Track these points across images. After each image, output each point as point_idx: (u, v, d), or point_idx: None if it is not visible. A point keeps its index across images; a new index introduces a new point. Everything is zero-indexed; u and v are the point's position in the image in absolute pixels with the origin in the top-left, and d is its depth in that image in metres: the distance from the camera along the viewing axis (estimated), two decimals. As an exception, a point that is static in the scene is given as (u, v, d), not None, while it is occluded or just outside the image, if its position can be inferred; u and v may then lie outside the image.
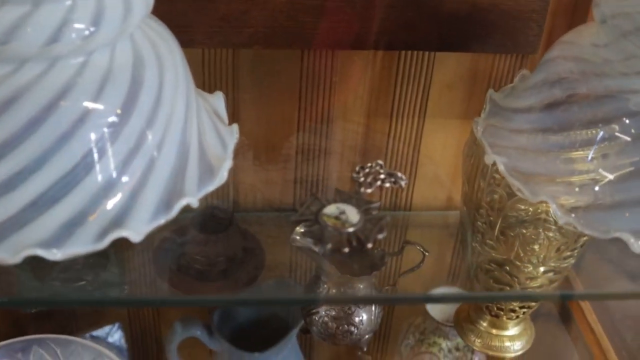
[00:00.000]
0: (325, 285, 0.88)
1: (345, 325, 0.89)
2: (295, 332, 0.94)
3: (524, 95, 0.63)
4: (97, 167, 0.50)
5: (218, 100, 0.64)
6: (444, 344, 0.97)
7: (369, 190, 0.58)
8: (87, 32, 0.49)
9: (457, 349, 0.98)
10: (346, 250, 0.52)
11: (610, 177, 0.55)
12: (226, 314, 0.98)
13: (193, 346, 0.96)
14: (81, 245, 0.50)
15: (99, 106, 0.50)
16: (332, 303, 0.59)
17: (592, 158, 0.56)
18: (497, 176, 0.82)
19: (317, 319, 0.90)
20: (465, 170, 0.89)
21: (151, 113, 0.52)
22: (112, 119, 0.51)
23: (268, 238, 1.07)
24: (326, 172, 1.09)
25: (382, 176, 0.59)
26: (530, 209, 0.82)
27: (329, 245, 0.52)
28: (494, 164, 0.73)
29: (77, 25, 0.48)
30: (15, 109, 0.49)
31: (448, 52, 0.89)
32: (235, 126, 0.62)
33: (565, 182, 0.57)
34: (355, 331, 0.89)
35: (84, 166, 0.50)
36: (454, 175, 1.14)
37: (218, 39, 0.78)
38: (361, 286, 0.88)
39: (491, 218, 0.86)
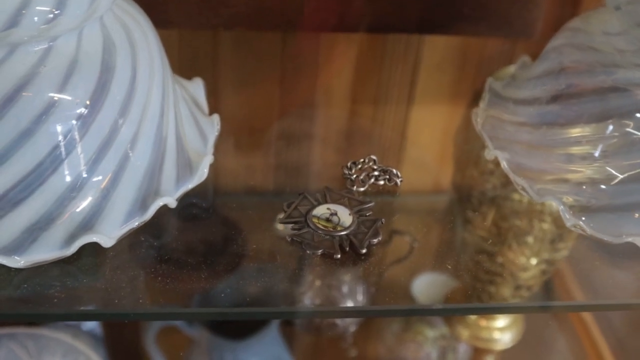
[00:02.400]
0: (310, 277, 0.84)
1: (331, 321, 0.85)
2: (276, 322, 0.91)
3: (527, 85, 0.58)
4: (64, 164, 0.44)
5: (197, 88, 0.59)
6: (430, 332, 0.93)
7: (361, 189, 0.53)
8: (50, 16, 0.43)
9: (443, 338, 0.94)
10: (338, 256, 0.47)
11: (621, 176, 0.51)
12: (206, 301, 0.94)
13: (172, 334, 0.91)
14: (47, 251, 0.45)
15: (65, 97, 0.44)
16: (319, 315, 0.55)
17: (601, 155, 0.52)
18: (491, 165, 0.78)
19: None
20: (457, 158, 0.85)
21: (124, 104, 0.47)
22: (80, 111, 0.45)
23: (249, 224, 1.03)
24: (310, 158, 1.04)
25: (375, 173, 0.54)
26: (525, 198, 0.78)
27: (320, 251, 0.47)
28: (490, 153, 0.69)
29: (39, 8, 0.42)
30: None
31: (437, 35, 0.84)
32: (216, 117, 0.56)
33: (572, 181, 0.53)
34: (340, 323, 0.85)
35: (49, 164, 0.44)
36: (441, 159, 1.10)
37: (197, 20, 0.72)
38: (346, 278, 0.84)
39: (484, 208, 0.81)
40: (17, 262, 0.45)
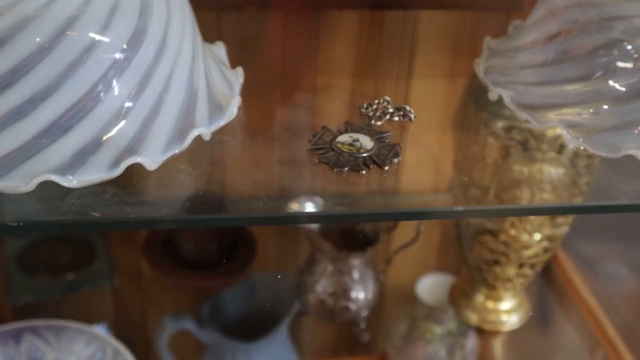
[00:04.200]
0: (321, 264, 0.87)
1: (343, 301, 0.87)
2: (287, 320, 0.92)
3: (524, 33, 0.63)
4: (107, 96, 0.48)
5: (220, 48, 0.63)
6: (437, 329, 0.96)
7: (379, 123, 0.57)
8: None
9: (450, 335, 0.97)
10: (364, 172, 0.50)
11: (618, 97, 0.55)
12: (216, 308, 0.96)
13: (183, 341, 0.93)
14: (96, 172, 0.49)
15: (107, 37, 0.48)
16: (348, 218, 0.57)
17: (598, 85, 0.56)
18: (490, 139, 0.82)
19: (313, 298, 0.88)
20: (456, 140, 0.88)
21: (160, 45, 0.51)
22: (122, 48, 0.49)
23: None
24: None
25: (390, 110, 0.58)
26: (525, 169, 0.82)
27: (346, 169, 0.51)
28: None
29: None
30: (22, 37, 0.47)
31: (434, 9, 0.88)
32: (239, 69, 0.60)
33: (573, 110, 0.57)
34: (353, 307, 0.87)
35: (94, 95, 0.48)
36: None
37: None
38: (356, 263, 0.87)
39: (485, 182, 0.85)
40: (70, 181, 0.48)
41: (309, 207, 0.88)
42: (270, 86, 0.67)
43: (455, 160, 0.63)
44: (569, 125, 0.57)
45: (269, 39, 0.81)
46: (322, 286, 0.88)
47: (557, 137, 0.78)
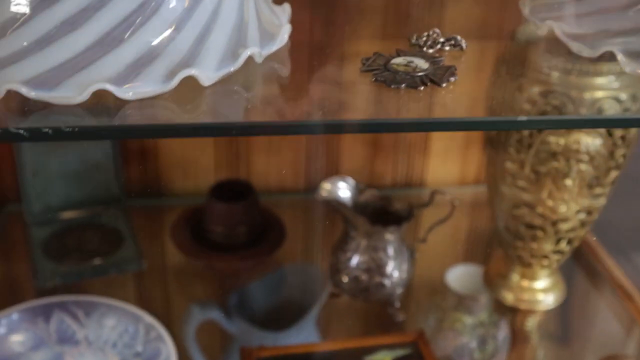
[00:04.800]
0: (355, 240, 0.85)
1: (378, 278, 0.85)
2: (316, 309, 0.90)
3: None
4: (162, 8, 0.48)
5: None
6: (467, 320, 0.94)
7: (430, 51, 0.56)
8: None
9: (482, 325, 0.94)
10: (421, 88, 0.49)
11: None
12: (242, 298, 0.94)
13: (211, 330, 0.90)
14: (150, 84, 0.47)
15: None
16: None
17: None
18: (526, 106, 0.81)
19: (346, 275, 0.86)
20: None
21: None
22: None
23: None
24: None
25: (441, 40, 0.57)
26: (562, 140, 0.81)
27: (403, 85, 0.49)
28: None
29: None
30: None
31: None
32: (286, 5, 0.60)
33: (626, 38, 0.56)
34: (388, 284, 0.85)
35: (149, 6, 0.47)
36: (466, 148, 1.13)
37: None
38: (391, 238, 0.85)
39: (522, 156, 0.84)
40: (125, 92, 0.47)
41: (342, 187, 0.87)
42: (316, 21, 0.66)
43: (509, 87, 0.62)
44: (622, 45, 0.55)
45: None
46: (356, 263, 0.86)
47: (595, 101, 0.77)
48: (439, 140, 1.11)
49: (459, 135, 1.11)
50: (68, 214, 1.01)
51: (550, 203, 0.84)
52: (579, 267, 1.01)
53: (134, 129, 0.46)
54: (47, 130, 0.46)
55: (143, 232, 1.01)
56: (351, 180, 0.87)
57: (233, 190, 0.95)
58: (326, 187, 0.85)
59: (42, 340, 0.80)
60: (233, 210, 0.92)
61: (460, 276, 1.01)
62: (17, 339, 0.80)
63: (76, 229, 0.99)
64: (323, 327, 0.90)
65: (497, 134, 0.85)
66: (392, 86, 0.51)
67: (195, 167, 1.07)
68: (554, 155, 0.82)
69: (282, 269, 1.00)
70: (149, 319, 0.79)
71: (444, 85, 0.51)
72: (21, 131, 0.46)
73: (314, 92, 0.51)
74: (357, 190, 0.87)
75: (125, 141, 1.03)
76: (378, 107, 0.50)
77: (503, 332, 0.94)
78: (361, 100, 0.51)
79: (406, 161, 1.11)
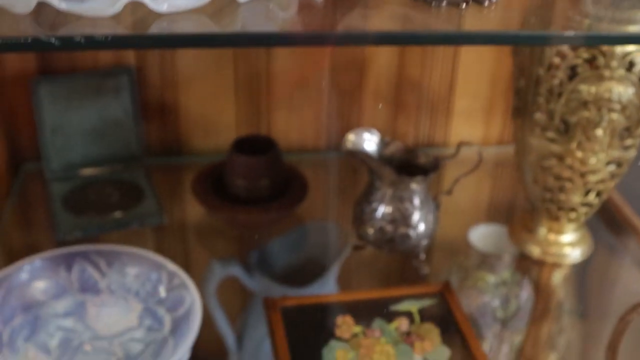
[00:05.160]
0: (381, 191, 0.84)
1: (403, 228, 0.84)
2: (337, 265, 0.89)
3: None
4: None
5: None
6: (490, 278, 0.92)
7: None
8: None
9: (504, 284, 0.93)
10: (464, 6, 0.47)
11: None
12: (263, 255, 0.92)
13: (232, 288, 0.89)
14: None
15: None
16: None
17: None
18: (556, 60, 0.79)
19: (371, 226, 0.85)
20: (518, 65, 0.86)
21: None
22: None
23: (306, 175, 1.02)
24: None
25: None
26: (593, 88, 0.79)
27: (444, 2, 0.48)
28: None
29: None
30: None
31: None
32: None
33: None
34: (413, 235, 0.84)
35: None
36: (489, 108, 1.11)
37: None
38: (417, 188, 0.84)
39: (551, 105, 0.82)
40: (160, 5, 0.46)
41: (366, 138, 0.86)
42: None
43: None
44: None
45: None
46: (382, 214, 0.85)
47: (626, 54, 0.75)
48: (462, 100, 1.09)
49: (483, 95, 1.10)
50: (88, 171, 1.00)
51: (579, 154, 0.83)
52: (606, 223, 0.99)
53: (167, 38, 0.45)
54: (79, 39, 0.45)
55: (163, 189, 1.00)
56: (376, 133, 0.85)
57: (255, 145, 0.93)
58: (351, 138, 0.84)
59: (64, 289, 0.79)
60: (255, 163, 0.91)
61: (483, 235, 1.00)
62: (40, 287, 0.78)
63: (96, 184, 0.98)
64: (346, 280, 0.88)
65: (526, 84, 0.83)
66: (434, 4, 0.49)
67: (216, 126, 1.06)
68: (584, 104, 0.80)
69: (303, 226, 0.99)
70: (171, 266, 0.78)
71: (485, 4, 0.50)
72: (52, 39, 0.44)
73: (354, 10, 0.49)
74: (382, 143, 0.85)
75: (146, 99, 1.02)
76: (418, 23, 0.49)
77: (526, 292, 0.92)
78: (400, 19, 0.50)
79: (428, 121, 1.10)
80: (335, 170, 1.09)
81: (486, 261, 0.96)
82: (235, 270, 0.89)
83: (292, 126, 1.06)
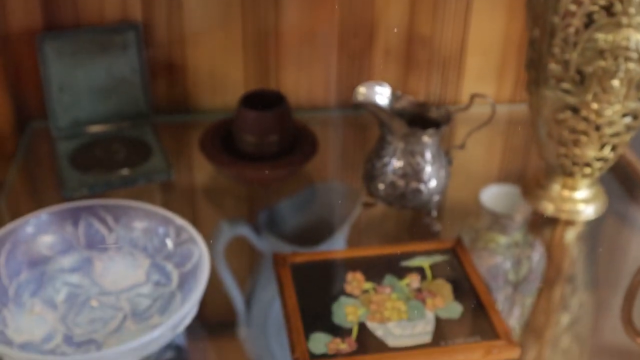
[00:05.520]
0: (392, 145, 0.82)
1: (415, 183, 0.82)
2: (347, 226, 0.87)
3: None
4: None
5: None
6: (502, 239, 0.90)
7: None
8: None
9: (516, 245, 0.91)
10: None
11: None
12: (271, 216, 0.90)
13: (240, 248, 0.87)
14: None
15: None
16: None
17: None
18: (572, 8, 0.77)
19: (382, 181, 0.83)
20: (532, 15, 0.83)
21: None
22: None
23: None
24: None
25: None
26: (610, 37, 0.77)
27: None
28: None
29: None
30: None
31: None
32: None
33: None
34: (425, 189, 0.82)
35: None
36: (501, 66, 1.09)
37: None
38: (429, 141, 0.82)
39: (566, 55, 0.80)
40: None
41: (378, 91, 0.83)
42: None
43: None
44: None
45: None
46: (393, 168, 0.83)
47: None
48: (474, 57, 1.07)
49: (495, 52, 1.07)
50: (95, 128, 0.98)
51: (595, 106, 0.81)
52: (619, 181, 0.97)
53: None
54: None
55: (171, 146, 0.98)
56: (387, 86, 0.83)
57: (264, 100, 0.91)
58: (362, 90, 0.82)
59: (70, 244, 0.78)
60: (264, 118, 0.89)
61: (495, 196, 0.98)
62: (46, 242, 0.77)
63: (103, 142, 0.96)
64: (357, 239, 0.87)
65: (541, 34, 0.81)
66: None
67: (224, 83, 1.04)
68: (601, 53, 0.78)
69: (313, 185, 0.97)
70: (179, 221, 0.76)
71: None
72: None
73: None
74: (394, 96, 0.83)
75: (153, 55, 1.00)
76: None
77: (538, 254, 0.90)
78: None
79: (440, 79, 1.08)
80: (345, 129, 1.07)
81: (498, 222, 0.94)
82: (244, 230, 0.87)
83: (301, 83, 1.04)
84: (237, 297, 0.78)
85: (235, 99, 0.92)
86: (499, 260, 0.88)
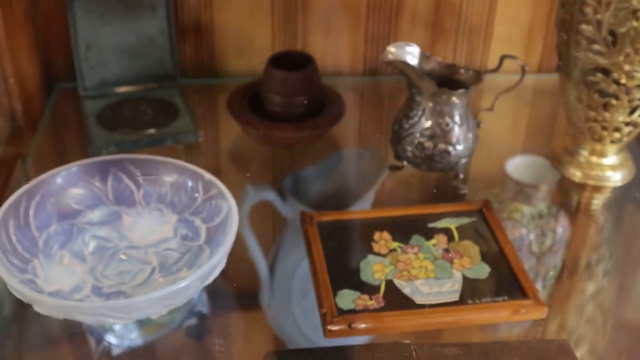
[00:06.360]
0: (421, 106, 0.81)
1: (443, 144, 0.81)
2: (372, 192, 0.86)
3: None
4: None
5: None
6: (526, 209, 0.89)
7: None
8: None
9: (541, 216, 0.89)
10: None
11: None
12: (297, 182, 0.89)
13: (265, 214, 0.86)
14: None
15: None
16: None
17: None
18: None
19: (410, 143, 0.82)
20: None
21: None
22: None
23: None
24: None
25: None
26: None
27: None
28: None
29: None
30: None
31: None
32: None
33: None
34: (453, 151, 0.81)
35: None
36: (529, 36, 1.07)
37: None
38: (458, 102, 0.80)
39: (599, 16, 0.78)
40: None
41: (407, 51, 0.82)
42: None
43: None
44: None
45: None
46: (421, 128, 0.82)
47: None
48: (502, 25, 1.06)
49: (523, 21, 1.06)
50: (122, 89, 0.98)
51: (627, 67, 0.79)
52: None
53: None
54: None
55: (198, 109, 0.98)
56: (416, 46, 0.82)
57: (292, 62, 0.90)
58: (392, 50, 0.81)
59: (99, 199, 0.77)
60: (292, 78, 0.88)
61: (520, 166, 0.97)
62: (75, 195, 0.77)
63: (131, 102, 0.96)
64: (383, 200, 0.86)
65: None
66: None
67: (251, 48, 1.03)
68: (634, 13, 0.76)
69: (339, 151, 0.96)
70: (208, 176, 0.76)
71: None
72: None
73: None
74: (423, 57, 0.82)
75: (182, 17, 1.00)
76: None
77: (562, 225, 0.89)
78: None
79: (467, 46, 1.06)
80: (372, 95, 1.06)
81: (523, 192, 0.93)
82: (269, 195, 0.86)
83: (328, 49, 1.04)
84: (261, 262, 0.77)
85: (262, 63, 0.92)
86: (523, 230, 0.86)
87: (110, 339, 0.68)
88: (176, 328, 0.69)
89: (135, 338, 0.68)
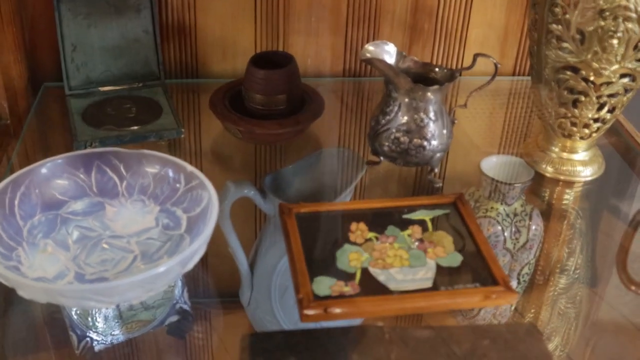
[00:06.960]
0: (397, 101, 0.83)
1: (418, 139, 0.83)
2: (351, 189, 0.87)
3: None
4: None
5: None
6: (502, 208, 0.91)
7: None
8: None
9: (515, 214, 0.92)
10: None
11: None
12: (277, 180, 0.91)
13: (246, 209, 0.87)
14: None
15: None
16: None
17: None
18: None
19: (387, 138, 0.84)
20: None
21: None
22: None
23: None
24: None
25: None
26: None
27: None
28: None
29: None
30: None
31: None
32: None
33: None
34: (428, 145, 0.83)
35: None
36: (504, 40, 1.10)
37: None
38: (432, 98, 0.83)
39: (567, 16, 0.81)
40: None
41: (384, 49, 0.84)
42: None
43: None
44: None
45: None
46: (397, 123, 0.84)
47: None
48: (477, 29, 1.08)
49: (498, 25, 1.08)
50: (107, 88, 0.99)
51: (594, 65, 0.82)
52: (615, 146, 0.98)
53: None
54: None
55: (181, 107, 0.99)
56: (393, 45, 0.85)
57: (273, 62, 0.92)
58: (370, 48, 0.83)
59: (83, 190, 0.79)
60: (273, 76, 0.90)
61: (495, 165, 0.99)
62: (59, 186, 0.78)
63: (115, 100, 0.98)
64: (360, 194, 0.87)
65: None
66: None
67: (234, 49, 1.05)
68: (601, 12, 0.79)
69: (318, 151, 0.98)
70: (190, 167, 0.77)
71: None
72: None
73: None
74: (399, 56, 0.85)
75: (165, 18, 1.01)
76: None
77: (536, 223, 0.91)
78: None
79: (443, 50, 1.09)
80: (351, 96, 1.08)
81: (497, 190, 0.95)
82: (250, 192, 0.87)
83: (309, 50, 1.05)
84: (241, 259, 0.78)
85: (244, 66, 0.93)
86: (498, 228, 0.88)
87: (93, 336, 0.69)
88: (157, 326, 0.70)
89: (117, 335, 0.69)
